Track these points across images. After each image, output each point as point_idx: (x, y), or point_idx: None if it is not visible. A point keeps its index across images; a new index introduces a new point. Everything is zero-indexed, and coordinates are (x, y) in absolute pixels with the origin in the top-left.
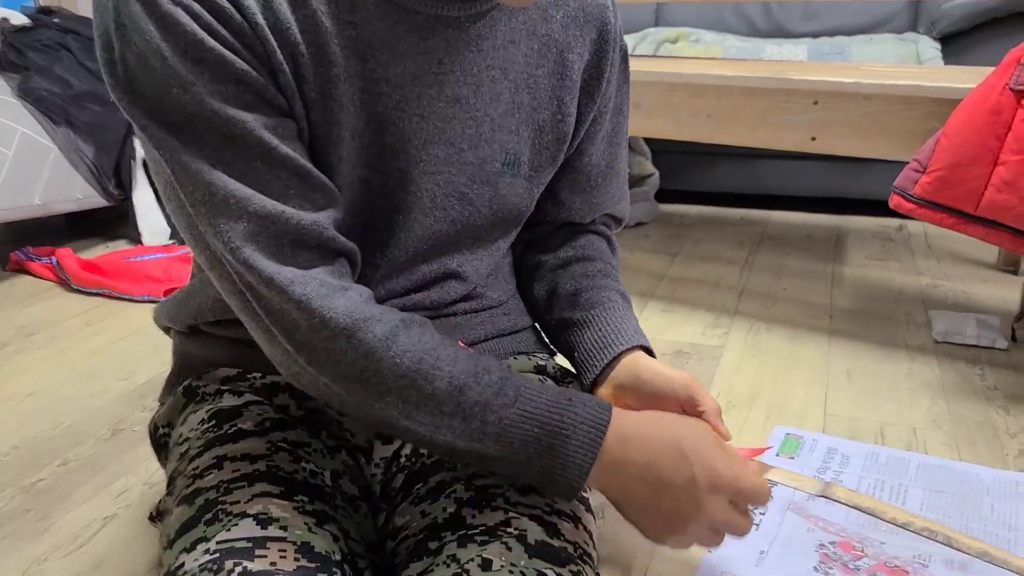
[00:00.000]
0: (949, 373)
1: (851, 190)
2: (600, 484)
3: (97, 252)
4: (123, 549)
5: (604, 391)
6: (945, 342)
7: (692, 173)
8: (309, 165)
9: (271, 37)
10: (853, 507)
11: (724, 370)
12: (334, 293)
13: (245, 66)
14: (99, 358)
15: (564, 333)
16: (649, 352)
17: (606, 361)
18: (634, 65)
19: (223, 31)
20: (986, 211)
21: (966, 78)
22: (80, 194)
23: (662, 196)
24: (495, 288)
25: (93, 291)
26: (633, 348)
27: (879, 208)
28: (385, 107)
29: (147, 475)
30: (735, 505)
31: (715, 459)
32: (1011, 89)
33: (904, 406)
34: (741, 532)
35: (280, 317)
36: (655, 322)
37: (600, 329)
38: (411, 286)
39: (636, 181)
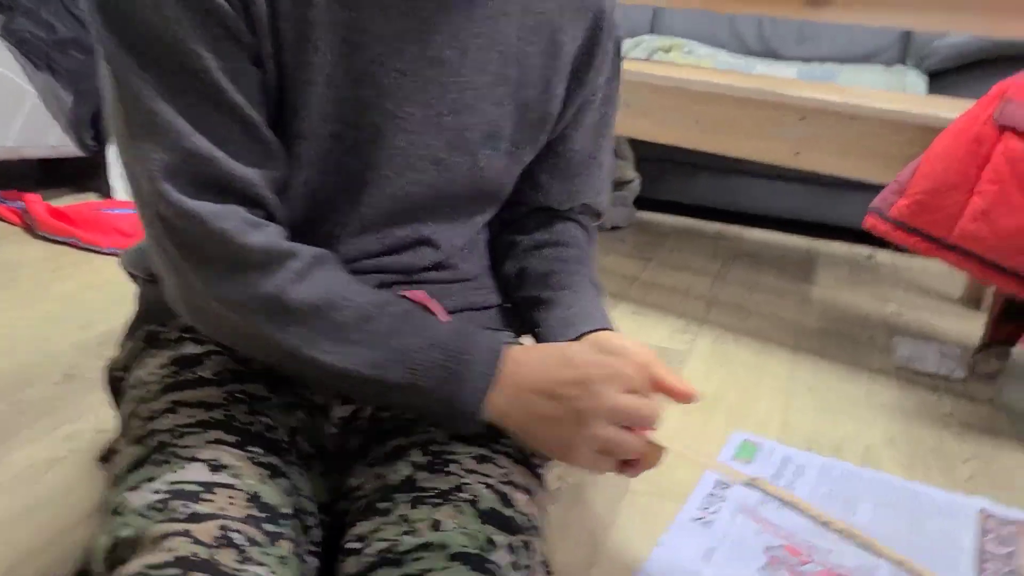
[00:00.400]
0: (908, 397)
1: (826, 215)
2: (499, 407)
3: (65, 202)
4: (68, 490)
5: None
6: (906, 368)
7: (672, 183)
8: (259, 119)
9: None
10: (776, 499)
11: (689, 374)
12: (252, 228)
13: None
14: (60, 304)
15: (531, 310)
16: None
17: (569, 339)
18: (628, 65)
19: None
20: (960, 239)
21: (952, 108)
22: (55, 142)
23: (640, 203)
24: (469, 261)
25: (60, 239)
26: (598, 331)
27: (852, 235)
28: (364, 59)
29: (97, 421)
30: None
31: (610, 367)
32: (994, 122)
33: (862, 424)
34: (627, 448)
35: (194, 250)
36: (625, 323)
37: (567, 309)
38: (383, 248)
39: (617, 185)
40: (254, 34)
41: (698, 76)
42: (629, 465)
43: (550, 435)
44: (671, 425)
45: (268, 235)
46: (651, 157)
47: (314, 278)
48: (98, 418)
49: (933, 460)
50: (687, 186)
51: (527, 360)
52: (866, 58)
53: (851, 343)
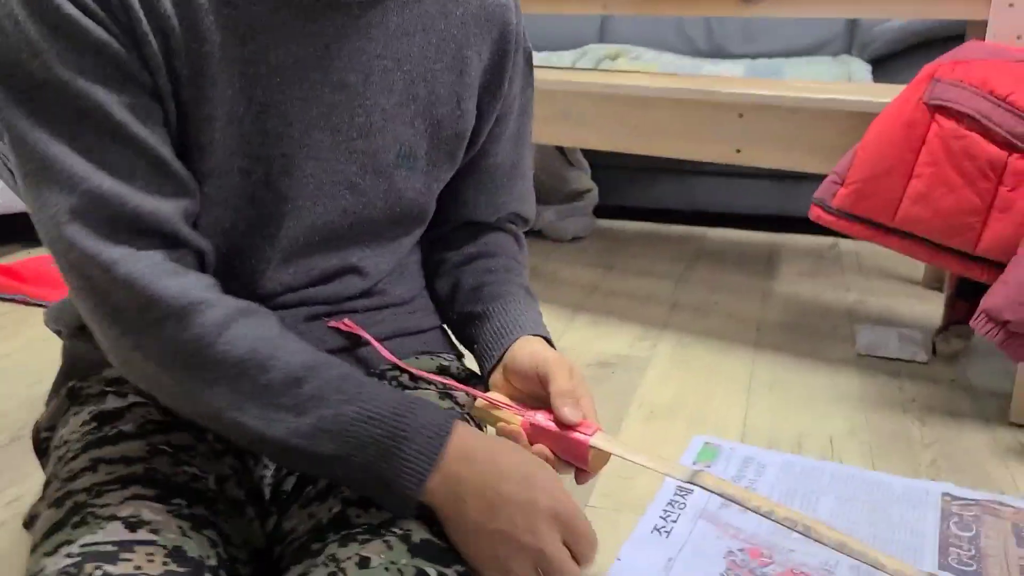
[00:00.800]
0: (869, 385)
1: (787, 208)
2: (437, 497)
3: (16, 258)
4: (8, 556)
5: (496, 376)
6: (868, 355)
7: (631, 189)
8: (164, 151)
9: (137, 5)
10: (719, 494)
11: (648, 382)
12: (167, 274)
13: (105, 35)
14: (6, 363)
15: (466, 327)
16: (548, 343)
17: (502, 350)
18: (568, 76)
19: None
20: (902, 223)
21: (885, 93)
22: (1, 199)
23: (601, 212)
24: (399, 286)
25: (6, 296)
26: (529, 337)
27: (813, 226)
28: (266, 90)
29: (41, 483)
30: (567, 543)
31: (560, 491)
32: (925, 104)
33: (823, 417)
34: (565, 573)
35: (106, 298)
36: (583, 333)
37: (499, 320)
38: (308, 280)
39: (574, 196)
40: (149, 73)
41: (631, 81)
42: (581, 473)
43: (477, 543)
44: (632, 434)
45: (185, 282)
46: (607, 164)
47: (238, 331)
48: (42, 479)
49: (895, 447)
50: (647, 190)
51: (480, 456)
52: (813, 50)
53: (813, 335)
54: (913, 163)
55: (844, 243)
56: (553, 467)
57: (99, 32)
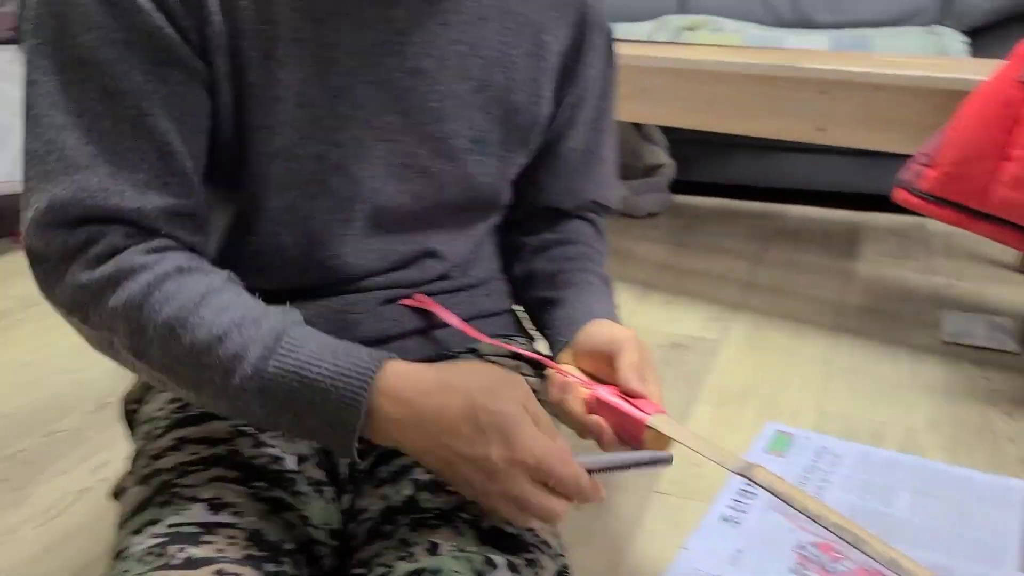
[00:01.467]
0: (954, 375)
1: (872, 186)
2: (389, 444)
3: None
4: (94, 523)
5: (564, 357)
6: (953, 343)
7: (708, 164)
8: (182, 148)
9: None
10: (769, 491)
11: (720, 365)
12: (112, 251)
13: (161, 19)
14: None
15: (540, 312)
16: None
17: (573, 335)
18: (645, 51)
19: None
20: (994, 208)
21: (979, 69)
22: None
23: (676, 187)
24: (475, 269)
25: None
26: (602, 320)
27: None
28: (339, 75)
29: (127, 450)
30: (543, 485)
31: (515, 431)
32: (1021, 82)
33: (903, 407)
34: (550, 517)
35: (49, 273)
36: (655, 313)
37: (572, 307)
38: (387, 264)
39: (649, 171)
40: (205, 56)
41: (711, 56)
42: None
43: (443, 472)
44: (702, 419)
45: (128, 254)
46: (684, 139)
47: (167, 291)
48: (128, 446)
49: (979, 442)
50: (724, 166)
51: (416, 400)
52: (903, 19)
53: (894, 321)
54: (1007, 144)
55: (932, 223)
56: (606, 443)
57: (155, 16)
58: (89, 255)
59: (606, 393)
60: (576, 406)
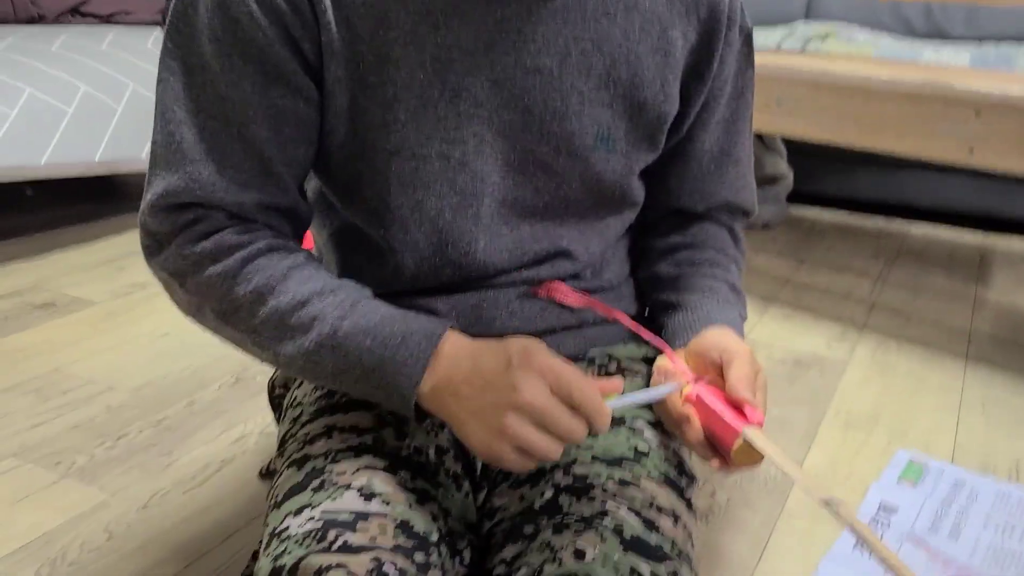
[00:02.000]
0: None
1: (1002, 209)
2: (434, 401)
3: None
4: (235, 493)
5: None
6: None
7: (829, 177)
8: (275, 155)
9: None
10: (852, 529)
11: (846, 386)
12: (213, 230)
13: (273, 35)
14: None
15: (659, 314)
16: None
17: (687, 339)
18: (780, 60)
19: None
20: None
21: None
22: None
23: (794, 198)
24: (607, 270)
25: None
26: (720, 327)
27: None
28: (457, 73)
29: (264, 424)
30: (558, 395)
31: (536, 350)
32: None
33: None
34: (570, 435)
35: (159, 244)
36: (774, 328)
37: (691, 312)
38: (520, 262)
39: (769, 181)
40: (317, 66)
41: (857, 70)
42: (724, 462)
43: (475, 429)
44: (829, 441)
45: (227, 234)
46: (805, 151)
47: (258, 264)
48: (264, 420)
49: None
50: (845, 179)
51: (466, 351)
52: None
53: None
54: None
55: None
56: (691, 438)
57: (270, 32)
58: (194, 231)
59: (708, 393)
60: (673, 396)
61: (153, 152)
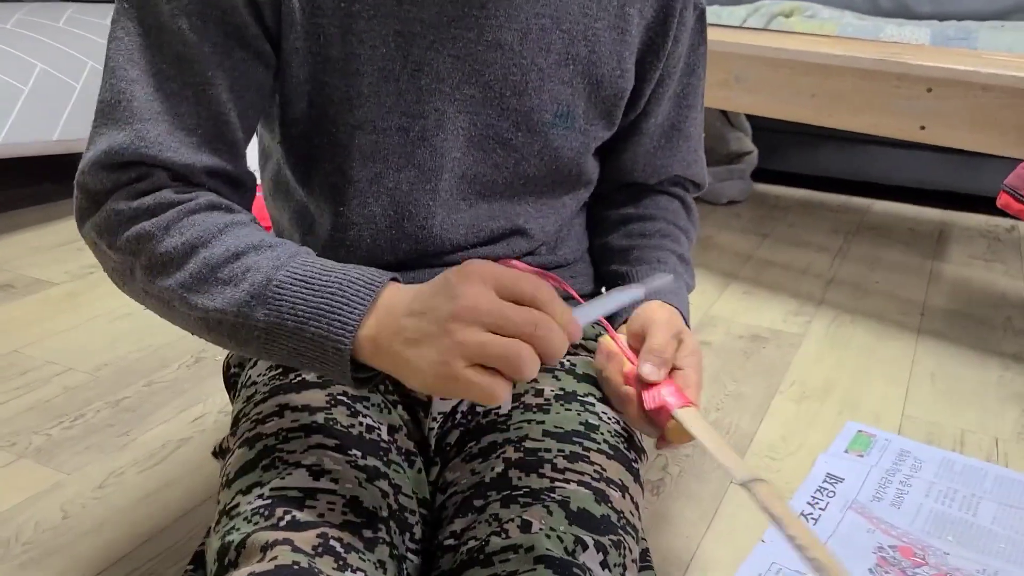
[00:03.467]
0: None
1: (962, 184)
2: (375, 352)
3: None
4: (193, 472)
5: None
6: None
7: (793, 154)
8: (234, 121)
9: None
10: (765, 510)
11: (801, 360)
12: (154, 188)
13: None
14: None
15: (610, 286)
16: (683, 314)
17: (631, 312)
18: (738, 37)
19: None
20: None
21: None
22: None
23: (759, 175)
24: (563, 248)
25: None
26: (659, 303)
27: (990, 205)
28: (420, 48)
29: (223, 403)
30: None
31: (475, 262)
32: None
33: (989, 415)
34: (516, 367)
35: (94, 203)
36: (734, 304)
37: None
38: (476, 240)
39: (733, 158)
40: (278, 34)
41: (814, 47)
42: (661, 440)
43: (422, 361)
44: (782, 414)
45: (166, 193)
46: (769, 127)
47: (195, 219)
48: (223, 400)
49: None
50: (809, 156)
51: (405, 289)
52: (1010, 12)
53: (982, 326)
54: None
55: (1023, 226)
56: (631, 416)
57: None
58: (133, 189)
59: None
60: (614, 376)
61: (99, 110)
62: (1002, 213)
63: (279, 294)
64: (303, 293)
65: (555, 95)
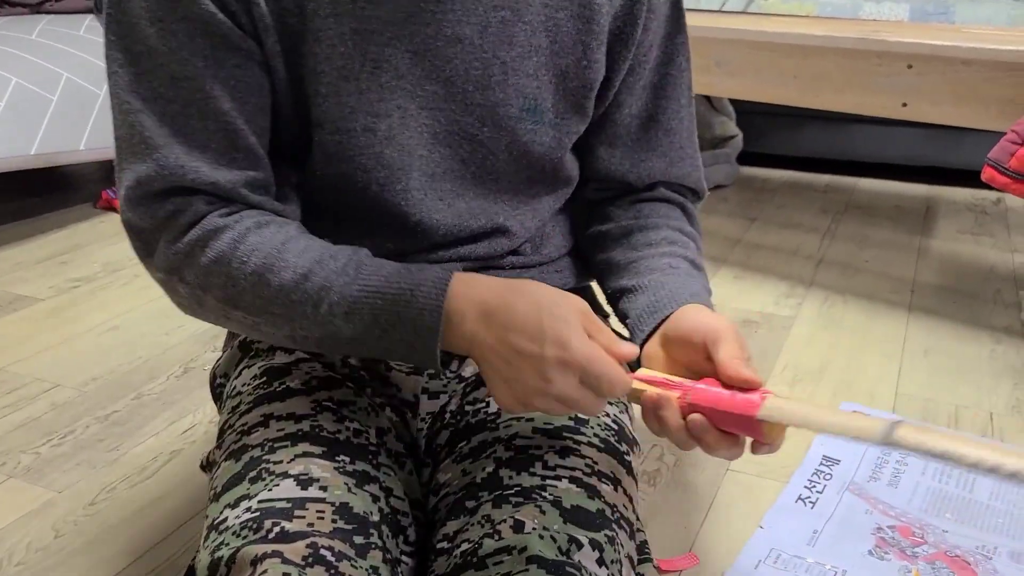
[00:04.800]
0: None
1: (947, 159)
2: (463, 346)
3: None
4: (184, 484)
5: (651, 348)
6: None
7: (778, 136)
8: (243, 125)
9: None
10: (919, 452)
11: (793, 342)
12: (197, 218)
13: (212, 7)
14: None
15: (619, 301)
16: None
17: (655, 323)
18: (717, 21)
19: None
20: None
21: None
22: None
23: (745, 158)
24: (546, 246)
25: None
26: (692, 305)
27: (976, 179)
28: (378, 45)
29: (212, 414)
30: (587, 385)
31: (571, 335)
32: None
33: (983, 390)
34: (588, 412)
35: (147, 243)
36: (725, 289)
37: (654, 293)
38: (456, 239)
39: (718, 142)
40: (256, 37)
41: (794, 28)
42: (757, 444)
43: (514, 385)
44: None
45: (210, 219)
46: (753, 110)
47: (251, 243)
48: (213, 410)
49: None
50: (794, 137)
51: (496, 307)
52: None
53: (973, 300)
54: None
55: (1009, 198)
56: (711, 445)
57: (207, 4)
58: (178, 223)
59: (705, 387)
60: (673, 418)
61: (118, 148)
62: (988, 186)
63: (357, 310)
64: (378, 303)
65: (520, 88)
